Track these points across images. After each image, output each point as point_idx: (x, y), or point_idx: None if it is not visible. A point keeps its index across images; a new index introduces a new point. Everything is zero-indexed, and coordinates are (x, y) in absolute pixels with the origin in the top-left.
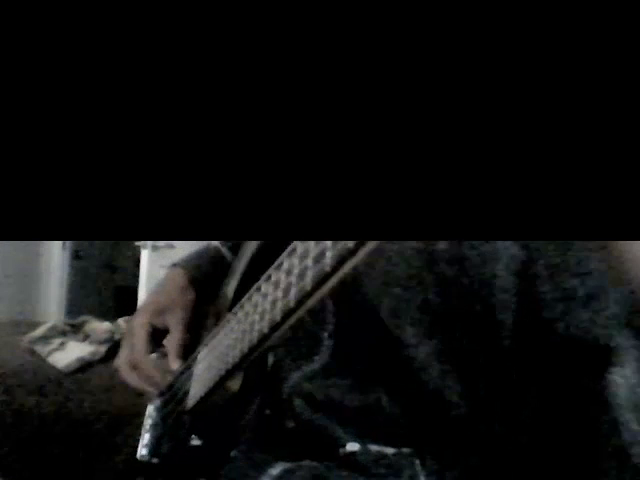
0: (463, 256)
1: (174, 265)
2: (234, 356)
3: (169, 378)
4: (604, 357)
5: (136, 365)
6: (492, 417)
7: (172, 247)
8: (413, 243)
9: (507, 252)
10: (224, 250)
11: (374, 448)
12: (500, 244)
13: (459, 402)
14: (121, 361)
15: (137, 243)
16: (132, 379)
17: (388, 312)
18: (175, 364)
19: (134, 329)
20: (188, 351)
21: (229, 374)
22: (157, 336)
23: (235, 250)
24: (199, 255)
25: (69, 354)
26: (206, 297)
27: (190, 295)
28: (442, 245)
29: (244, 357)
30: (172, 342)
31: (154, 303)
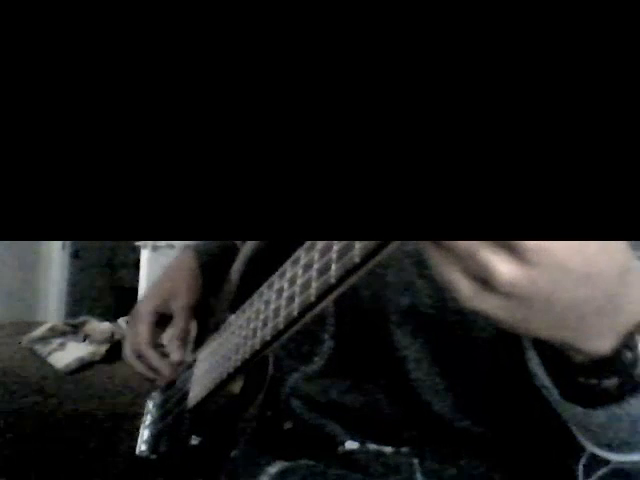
0: None
1: (187, 247)
2: (236, 360)
3: (171, 369)
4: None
5: (140, 354)
6: (481, 418)
7: (172, 247)
8: (404, 247)
9: None
10: None
11: (372, 447)
12: None
13: (448, 402)
14: (127, 349)
15: (137, 243)
16: (138, 367)
17: (379, 314)
18: (176, 355)
19: (139, 316)
20: (199, 339)
21: (231, 377)
22: (164, 321)
23: None
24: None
25: (69, 354)
26: (215, 283)
27: (198, 280)
28: None
29: (246, 362)
30: (174, 332)
31: (162, 288)
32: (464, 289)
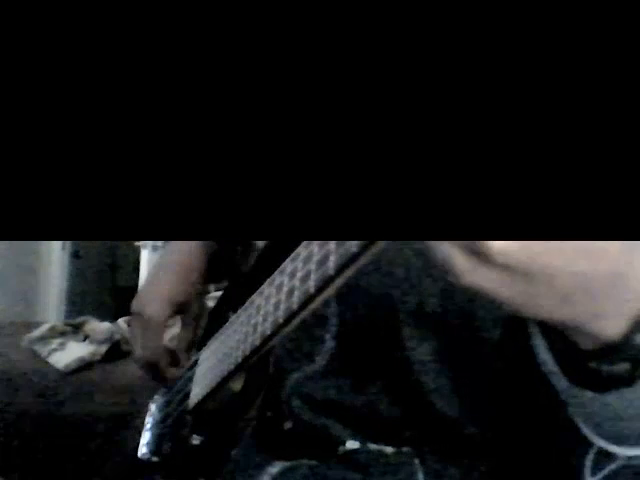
0: None
1: (191, 245)
2: (236, 357)
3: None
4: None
5: (154, 364)
6: (485, 418)
7: None
8: (412, 245)
9: None
10: None
11: (373, 447)
12: None
13: (453, 403)
14: (138, 356)
15: (137, 243)
16: (150, 374)
17: (386, 313)
18: (187, 361)
19: (152, 322)
20: (201, 339)
21: (231, 375)
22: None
23: None
24: None
25: (69, 354)
26: (215, 277)
27: (204, 282)
28: None
29: (246, 358)
30: (187, 337)
31: (174, 293)
32: (459, 264)
